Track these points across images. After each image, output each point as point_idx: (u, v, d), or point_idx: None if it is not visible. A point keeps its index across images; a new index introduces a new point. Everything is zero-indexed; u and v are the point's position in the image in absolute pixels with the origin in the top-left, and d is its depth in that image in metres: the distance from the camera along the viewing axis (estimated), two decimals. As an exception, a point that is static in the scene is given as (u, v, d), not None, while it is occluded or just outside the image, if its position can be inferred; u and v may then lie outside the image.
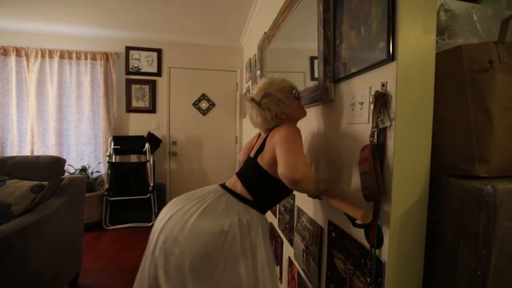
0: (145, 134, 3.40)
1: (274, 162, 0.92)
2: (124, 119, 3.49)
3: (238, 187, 1.03)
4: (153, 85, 3.52)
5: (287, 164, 0.83)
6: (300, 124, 1.39)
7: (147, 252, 0.99)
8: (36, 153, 3.19)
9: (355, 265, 0.86)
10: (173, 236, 0.92)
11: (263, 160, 0.99)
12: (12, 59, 3.11)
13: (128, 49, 3.44)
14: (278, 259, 1.76)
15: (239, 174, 1.08)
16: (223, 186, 1.06)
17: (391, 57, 0.71)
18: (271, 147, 0.95)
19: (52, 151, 3.24)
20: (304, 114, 1.11)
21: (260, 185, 1.01)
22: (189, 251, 0.90)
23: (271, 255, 1.06)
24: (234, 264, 0.92)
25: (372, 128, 0.75)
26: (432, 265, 0.75)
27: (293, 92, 1.06)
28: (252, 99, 1.06)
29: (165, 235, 0.94)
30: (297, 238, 1.41)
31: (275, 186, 0.98)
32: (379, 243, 0.76)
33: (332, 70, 1.04)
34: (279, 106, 1.03)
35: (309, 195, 1.01)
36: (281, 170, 0.84)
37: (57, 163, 1.78)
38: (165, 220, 0.98)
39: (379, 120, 0.74)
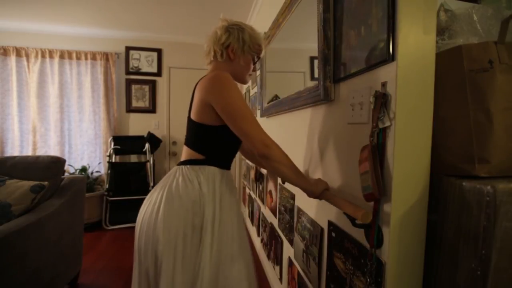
0: (145, 134, 3.40)
1: (204, 111, 0.92)
2: (124, 119, 3.49)
3: (190, 153, 1.00)
4: (153, 85, 3.52)
5: (247, 136, 0.85)
6: (300, 124, 1.40)
7: (137, 257, 0.97)
8: (38, 153, 3.19)
9: (355, 265, 0.86)
10: (150, 235, 0.90)
11: (195, 114, 0.96)
12: (12, 59, 3.11)
13: (128, 49, 3.44)
14: (278, 259, 1.76)
15: (185, 141, 1.05)
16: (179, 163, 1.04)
17: (391, 57, 0.71)
18: (198, 99, 0.93)
19: (53, 151, 3.24)
20: (245, 78, 1.07)
21: (204, 140, 0.98)
22: (169, 242, 0.89)
23: (240, 218, 1.03)
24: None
25: (372, 128, 0.75)
26: (432, 265, 0.75)
27: (258, 49, 1.05)
28: (226, 19, 1.04)
29: (144, 237, 0.93)
30: (297, 238, 1.41)
31: (218, 134, 0.95)
32: (379, 243, 0.76)
33: (332, 70, 1.04)
34: (238, 43, 1.01)
35: (309, 195, 1.01)
36: (247, 142, 0.86)
37: (57, 163, 1.78)
38: (140, 217, 0.97)
39: (379, 120, 0.74)
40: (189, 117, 1.01)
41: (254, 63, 1.08)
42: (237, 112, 0.87)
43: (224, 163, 1.03)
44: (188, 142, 1.02)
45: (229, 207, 0.99)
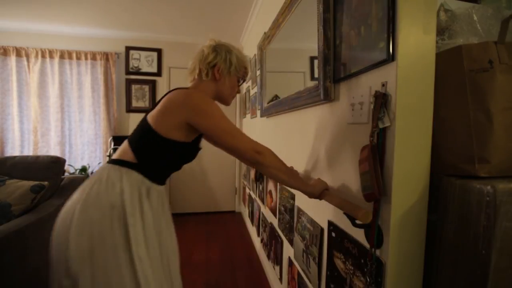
0: (145, 134, 3.40)
1: (173, 125, 0.89)
2: (124, 119, 3.49)
3: (125, 152, 0.94)
4: (153, 85, 3.52)
5: (239, 150, 0.88)
6: (300, 124, 1.40)
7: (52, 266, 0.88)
8: (39, 153, 3.19)
9: (355, 265, 0.86)
10: (62, 249, 0.82)
11: (156, 122, 0.90)
12: (12, 59, 3.11)
13: (128, 49, 3.44)
14: (278, 259, 1.76)
15: (129, 137, 0.98)
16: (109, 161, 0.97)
17: (391, 57, 0.71)
18: (167, 108, 0.90)
19: (54, 151, 3.24)
20: (229, 99, 1.08)
21: (149, 147, 0.92)
22: (83, 259, 0.81)
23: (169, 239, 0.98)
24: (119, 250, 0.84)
25: (372, 128, 0.75)
26: (432, 265, 0.75)
27: (244, 73, 1.06)
28: (214, 40, 1.06)
29: (55, 250, 0.86)
30: (297, 238, 1.41)
31: (170, 148, 0.91)
32: (379, 243, 0.76)
33: (332, 70, 1.04)
34: (224, 64, 1.01)
35: (309, 196, 1.01)
36: (246, 159, 0.89)
37: (57, 163, 1.78)
38: (56, 223, 0.89)
39: (379, 120, 0.74)
40: (145, 118, 0.95)
41: (239, 86, 1.09)
42: (224, 131, 0.89)
43: (157, 176, 0.97)
44: (131, 140, 0.95)
45: (152, 226, 0.91)
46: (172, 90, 0.96)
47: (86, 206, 0.85)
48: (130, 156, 0.93)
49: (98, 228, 0.83)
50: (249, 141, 0.90)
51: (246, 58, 1.07)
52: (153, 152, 0.93)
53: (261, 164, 0.90)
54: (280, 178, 0.93)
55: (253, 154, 0.88)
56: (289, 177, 0.93)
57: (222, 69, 1.01)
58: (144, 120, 0.95)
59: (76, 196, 0.91)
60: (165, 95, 0.97)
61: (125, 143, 0.97)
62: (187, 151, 0.99)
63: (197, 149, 1.04)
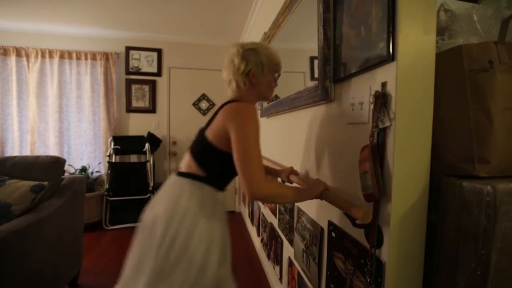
0: (145, 134, 3.40)
1: (222, 137, 0.91)
2: (124, 119, 3.49)
3: (193, 167, 1.00)
4: (153, 85, 3.52)
5: (249, 181, 0.82)
6: (300, 124, 1.40)
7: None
8: (36, 153, 3.19)
9: (355, 265, 0.86)
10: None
11: (212, 136, 0.95)
12: (12, 59, 3.11)
13: (128, 49, 3.44)
14: (278, 259, 1.76)
15: (192, 149, 1.03)
16: (177, 174, 1.04)
17: (391, 57, 0.71)
18: (220, 123, 0.92)
19: (52, 151, 3.24)
20: (269, 96, 1.09)
21: (212, 162, 0.98)
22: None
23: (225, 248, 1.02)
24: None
25: (372, 128, 0.75)
26: (432, 265, 0.75)
27: (277, 68, 1.05)
28: (238, 44, 1.02)
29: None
30: (297, 238, 1.41)
31: (227, 160, 0.92)
32: (379, 243, 0.76)
33: (332, 70, 1.04)
34: (257, 68, 1.00)
35: (310, 198, 1.01)
36: (240, 180, 0.84)
37: (57, 163, 1.78)
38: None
39: (379, 120, 0.74)
40: (204, 132, 0.99)
41: (275, 80, 1.08)
42: (247, 149, 0.85)
43: (223, 185, 1.05)
44: (195, 156, 1.01)
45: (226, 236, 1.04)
46: (225, 104, 0.98)
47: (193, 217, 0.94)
48: (198, 170, 0.99)
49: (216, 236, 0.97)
50: (260, 173, 0.85)
51: (275, 53, 1.05)
52: (220, 166, 0.99)
53: (265, 199, 0.91)
54: (286, 203, 0.95)
55: (258, 190, 0.83)
56: (295, 198, 0.94)
57: (256, 74, 1.00)
58: (203, 137, 0.99)
59: (166, 207, 0.96)
60: (219, 108, 0.99)
61: (189, 157, 1.03)
62: None
63: None
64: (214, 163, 0.98)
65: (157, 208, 0.99)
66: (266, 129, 2.18)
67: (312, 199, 0.98)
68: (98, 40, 3.37)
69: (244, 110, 0.90)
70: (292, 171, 1.26)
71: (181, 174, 1.02)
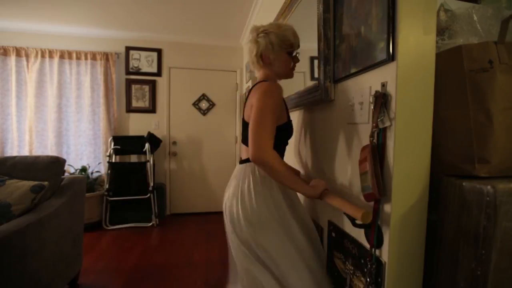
0: (145, 134, 3.40)
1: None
2: (124, 119, 3.49)
3: (244, 151, 1.08)
4: (153, 85, 3.52)
5: (255, 144, 0.89)
6: (300, 124, 1.39)
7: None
8: (34, 153, 3.19)
9: (355, 265, 0.86)
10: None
11: (246, 115, 1.04)
12: (12, 59, 3.11)
13: (128, 49, 3.44)
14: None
15: (243, 140, 1.10)
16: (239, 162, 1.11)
17: (391, 57, 0.71)
18: (249, 103, 1.01)
19: (51, 151, 3.23)
20: (289, 73, 1.12)
21: None
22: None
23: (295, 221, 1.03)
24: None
25: (372, 128, 0.75)
26: (432, 265, 0.75)
27: (290, 46, 1.06)
28: (253, 29, 1.08)
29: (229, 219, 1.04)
30: (297, 238, 1.40)
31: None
32: (379, 243, 0.76)
33: (332, 70, 1.04)
34: (267, 48, 1.04)
35: (310, 197, 1.01)
36: (249, 148, 0.90)
37: (57, 163, 1.78)
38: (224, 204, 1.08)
39: (379, 120, 0.74)
40: (243, 118, 1.07)
41: (293, 56, 1.09)
42: (260, 118, 0.91)
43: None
44: (244, 141, 1.07)
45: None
46: (254, 85, 1.06)
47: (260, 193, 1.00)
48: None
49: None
50: (266, 140, 0.91)
51: (286, 31, 1.05)
52: None
53: (264, 164, 0.91)
54: (282, 182, 0.95)
55: (258, 151, 0.89)
56: (291, 182, 0.95)
57: (267, 54, 1.05)
58: (244, 122, 1.06)
59: (231, 192, 1.06)
60: (248, 93, 1.07)
61: (244, 147, 1.10)
62: (287, 127, 1.08)
63: (291, 123, 1.12)
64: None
65: (226, 196, 1.08)
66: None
67: (309, 197, 0.98)
68: (98, 40, 3.37)
69: (263, 86, 0.98)
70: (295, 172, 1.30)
71: (240, 162, 1.10)
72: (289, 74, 1.12)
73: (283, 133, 1.04)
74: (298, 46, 1.09)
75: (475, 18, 0.84)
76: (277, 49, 1.04)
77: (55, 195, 1.71)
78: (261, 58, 1.07)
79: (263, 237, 0.98)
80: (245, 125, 1.04)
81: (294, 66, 1.11)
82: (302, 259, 0.98)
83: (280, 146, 1.07)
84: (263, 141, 0.89)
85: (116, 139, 3.28)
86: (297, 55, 1.11)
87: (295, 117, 1.47)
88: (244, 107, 1.08)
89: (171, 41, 3.53)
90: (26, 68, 3.16)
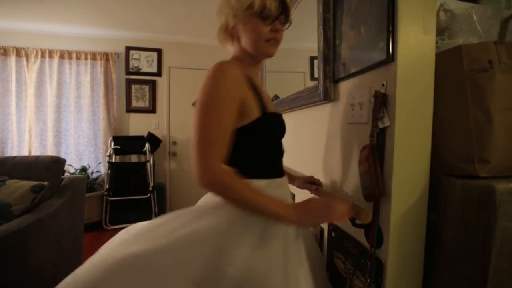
0: (145, 134, 3.40)
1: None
2: (124, 119, 3.49)
3: None
4: (153, 85, 3.52)
5: (193, 157, 0.64)
6: (300, 124, 1.39)
7: None
8: (33, 154, 3.19)
9: (355, 265, 0.86)
10: None
11: None
12: (12, 59, 3.11)
13: (128, 49, 3.44)
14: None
15: None
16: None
17: (391, 57, 0.71)
18: None
19: (50, 151, 3.23)
20: (263, 47, 0.76)
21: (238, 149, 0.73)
22: None
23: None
24: None
25: (372, 128, 0.75)
26: (432, 265, 0.75)
27: (252, 7, 0.72)
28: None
29: None
30: (297, 238, 1.40)
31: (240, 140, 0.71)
32: (379, 243, 0.76)
33: (332, 70, 1.04)
34: (230, 16, 0.76)
35: (289, 222, 0.72)
36: (194, 173, 0.65)
37: (57, 163, 1.78)
38: None
39: (379, 120, 0.74)
40: None
41: (266, 21, 0.74)
42: (197, 121, 0.66)
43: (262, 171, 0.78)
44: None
45: None
46: None
47: None
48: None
49: None
50: (213, 153, 0.64)
51: None
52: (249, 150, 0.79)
53: (208, 189, 0.66)
54: (248, 207, 0.67)
55: (202, 172, 0.64)
56: (262, 203, 0.65)
57: (232, 24, 0.77)
58: None
59: None
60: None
61: None
62: (266, 125, 0.75)
63: (275, 117, 0.80)
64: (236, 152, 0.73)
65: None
66: (266, 129, 2.17)
67: (292, 223, 0.73)
68: (98, 40, 3.37)
69: (211, 69, 0.68)
70: (310, 180, 1.05)
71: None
72: (263, 49, 0.76)
73: (259, 134, 0.73)
74: (278, 10, 0.74)
75: (475, 18, 0.84)
76: (240, 14, 0.74)
77: (55, 195, 1.71)
78: (227, 31, 0.80)
79: None
80: None
81: (275, 38, 0.76)
82: None
83: (260, 153, 0.76)
84: (203, 158, 0.64)
85: (116, 139, 3.28)
86: (281, 24, 0.77)
87: (295, 117, 1.47)
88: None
89: (171, 41, 3.53)
90: (26, 68, 3.16)
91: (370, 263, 0.77)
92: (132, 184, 3.20)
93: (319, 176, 1.16)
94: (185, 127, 3.62)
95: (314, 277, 0.74)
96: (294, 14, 1.47)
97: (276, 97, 1.79)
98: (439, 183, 0.74)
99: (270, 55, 0.79)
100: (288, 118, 1.59)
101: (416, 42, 0.71)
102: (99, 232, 2.97)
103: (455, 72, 0.72)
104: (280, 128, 0.82)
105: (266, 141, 0.77)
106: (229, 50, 0.85)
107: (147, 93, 3.51)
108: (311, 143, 1.26)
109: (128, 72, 3.46)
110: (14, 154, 3.16)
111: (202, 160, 0.64)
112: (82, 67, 3.30)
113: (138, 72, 3.48)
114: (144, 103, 3.52)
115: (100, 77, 3.31)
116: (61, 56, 3.23)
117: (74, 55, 3.26)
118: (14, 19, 2.98)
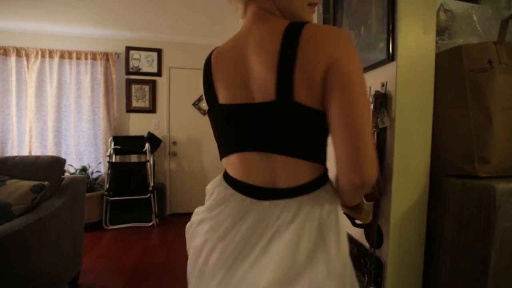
0: (145, 134, 3.40)
1: (317, 88, 0.51)
2: (124, 119, 3.49)
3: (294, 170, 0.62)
4: (153, 85, 3.52)
5: (367, 157, 0.48)
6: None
7: None
8: (34, 154, 3.19)
9: (355, 265, 0.86)
10: None
11: (299, 91, 0.52)
12: (12, 59, 3.11)
13: (128, 49, 3.44)
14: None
15: (274, 146, 0.61)
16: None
17: (391, 57, 0.71)
18: (313, 64, 0.49)
19: (50, 151, 3.23)
20: (307, 14, 0.60)
21: (316, 137, 0.62)
22: None
23: None
24: None
25: (372, 128, 0.75)
26: (432, 265, 0.75)
27: None
28: None
29: None
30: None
31: (318, 125, 0.59)
32: (379, 243, 0.76)
33: (332, 70, 1.03)
34: None
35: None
36: (342, 166, 0.52)
37: (57, 163, 1.78)
38: None
39: (379, 120, 0.74)
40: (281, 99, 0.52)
41: None
42: (363, 92, 0.49)
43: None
44: (289, 148, 0.60)
45: None
46: (287, 30, 0.54)
47: None
48: (311, 170, 0.65)
49: None
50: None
51: None
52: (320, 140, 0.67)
53: (363, 188, 0.54)
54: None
55: (370, 173, 0.49)
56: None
57: None
58: (290, 107, 0.55)
59: None
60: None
61: (281, 161, 0.60)
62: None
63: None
64: (317, 140, 0.59)
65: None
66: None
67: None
68: (98, 40, 3.37)
69: (343, 35, 0.49)
70: None
71: (289, 191, 0.57)
72: (305, 12, 0.59)
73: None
74: None
75: (475, 18, 0.84)
76: None
77: (55, 195, 1.71)
78: None
79: None
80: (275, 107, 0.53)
81: (315, 3, 0.61)
82: None
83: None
84: (374, 156, 0.50)
85: (116, 139, 3.28)
86: None
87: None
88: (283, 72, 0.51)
89: (171, 41, 3.53)
90: (26, 68, 3.16)
91: (370, 262, 0.77)
92: (132, 184, 3.20)
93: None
94: (185, 127, 3.62)
95: None
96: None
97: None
98: (439, 183, 0.74)
99: (310, 21, 0.57)
100: (288, 118, 1.59)
101: (416, 42, 0.71)
102: (99, 232, 2.97)
103: (455, 72, 0.72)
104: None
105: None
106: (239, 14, 0.67)
107: (147, 93, 3.51)
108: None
109: (128, 72, 3.46)
110: (14, 154, 3.16)
111: (373, 149, 0.49)
112: (82, 67, 3.30)
113: (138, 72, 3.48)
114: (144, 103, 3.52)
115: (100, 77, 3.31)
116: (61, 56, 3.23)
117: (74, 55, 3.26)
118: (14, 19, 2.98)
